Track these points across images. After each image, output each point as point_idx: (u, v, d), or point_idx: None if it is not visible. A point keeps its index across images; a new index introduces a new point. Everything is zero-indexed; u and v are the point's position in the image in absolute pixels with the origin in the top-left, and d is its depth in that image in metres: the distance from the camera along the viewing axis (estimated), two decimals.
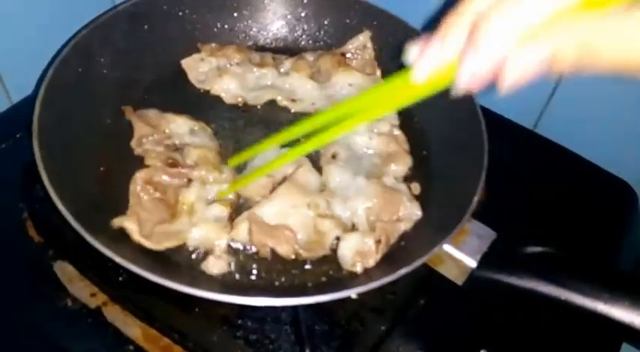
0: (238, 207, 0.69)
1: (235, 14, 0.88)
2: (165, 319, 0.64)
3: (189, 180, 0.69)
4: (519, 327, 0.67)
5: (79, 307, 0.65)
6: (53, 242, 0.69)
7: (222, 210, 0.66)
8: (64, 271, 0.68)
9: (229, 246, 0.66)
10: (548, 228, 0.75)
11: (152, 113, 0.75)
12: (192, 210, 0.66)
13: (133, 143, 0.72)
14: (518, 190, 0.80)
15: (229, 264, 0.64)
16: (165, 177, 0.68)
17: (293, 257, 0.65)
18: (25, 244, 0.70)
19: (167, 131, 0.74)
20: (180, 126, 0.74)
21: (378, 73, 0.85)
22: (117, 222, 0.63)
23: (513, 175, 0.78)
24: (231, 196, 0.69)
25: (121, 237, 0.62)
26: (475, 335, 0.67)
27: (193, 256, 0.65)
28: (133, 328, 0.64)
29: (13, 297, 0.66)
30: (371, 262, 0.63)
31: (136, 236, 0.62)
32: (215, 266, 0.62)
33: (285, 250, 0.64)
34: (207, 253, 0.65)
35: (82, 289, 0.66)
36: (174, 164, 0.68)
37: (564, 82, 0.89)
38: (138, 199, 0.65)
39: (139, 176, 0.67)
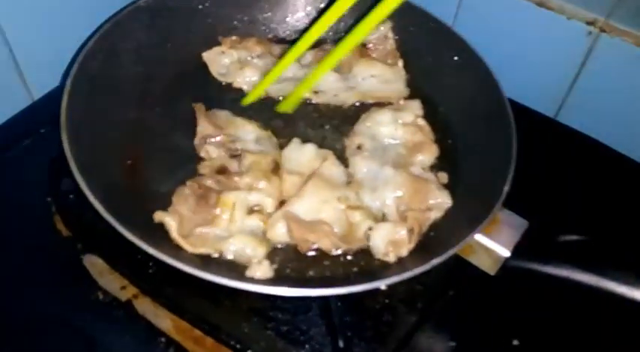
0: None
1: (255, 6, 0.88)
2: (196, 311, 0.64)
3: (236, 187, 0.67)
4: (550, 317, 0.67)
5: (109, 300, 0.65)
6: (82, 235, 0.69)
7: (260, 225, 0.65)
8: (94, 264, 0.68)
9: None
10: (577, 216, 0.74)
11: (223, 114, 0.75)
12: (232, 217, 0.64)
13: (196, 141, 0.72)
14: (542, 179, 0.79)
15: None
16: (212, 183, 0.67)
17: (334, 251, 0.64)
18: (53, 238, 0.70)
19: (233, 134, 0.73)
20: (247, 132, 0.73)
21: (400, 63, 0.84)
22: (158, 216, 0.63)
23: (535, 164, 0.77)
24: (269, 210, 0.67)
25: (152, 231, 0.62)
26: (506, 326, 0.67)
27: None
28: (164, 320, 0.64)
29: (43, 292, 0.66)
30: (404, 251, 0.62)
31: (174, 233, 0.61)
32: (258, 271, 0.60)
33: (326, 244, 0.63)
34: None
35: (112, 282, 0.66)
36: (223, 171, 0.68)
37: (585, 70, 0.88)
38: (182, 198, 0.65)
39: (189, 183, 0.66)
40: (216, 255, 0.63)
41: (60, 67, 0.84)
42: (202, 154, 0.71)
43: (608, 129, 0.88)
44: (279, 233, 0.65)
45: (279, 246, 0.66)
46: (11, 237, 0.70)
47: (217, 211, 0.65)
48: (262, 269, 0.60)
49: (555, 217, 0.71)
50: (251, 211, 0.66)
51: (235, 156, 0.72)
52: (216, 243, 0.63)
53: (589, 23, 0.84)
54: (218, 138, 0.72)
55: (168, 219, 0.63)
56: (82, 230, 0.69)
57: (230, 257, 0.62)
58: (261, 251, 0.63)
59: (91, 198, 0.57)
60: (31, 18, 0.78)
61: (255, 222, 0.65)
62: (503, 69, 0.76)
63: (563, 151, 0.86)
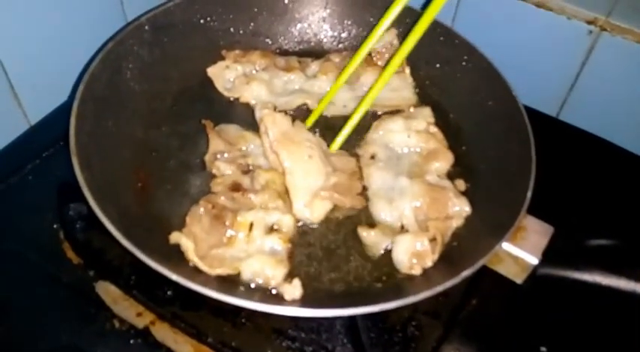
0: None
1: (257, 19, 0.86)
2: (217, 334, 0.62)
3: (252, 207, 0.65)
4: (578, 322, 0.66)
5: (126, 328, 0.63)
6: (93, 262, 0.67)
7: (279, 243, 0.63)
8: (107, 292, 0.66)
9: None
10: (601, 219, 0.73)
11: (232, 129, 0.74)
12: (250, 237, 0.63)
13: (207, 158, 0.71)
14: (555, 181, 0.78)
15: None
16: (226, 201, 0.65)
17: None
18: (63, 266, 0.68)
19: (243, 149, 0.72)
20: (258, 146, 0.72)
21: (407, 70, 0.84)
22: (174, 237, 0.61)
23: (543, 165, 0.77)
24: (289, 229, 0.65)
25: (168, 255, 0.60)
26: (532, 333, 0.66)
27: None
28: (184, 346, 0.62)
29: (55, 323, 0.64)
30: (429, 262, 0.61)
31: (191, 255, 0.59)
32: (291, 291, 0.58)
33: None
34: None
35: (127, 309, 0.64)
36: (236, 188, 0.66)
37: (587, 69, 0.88)
38: (196, 218, 0.63)
39: (203, 202, 0.64)
40: (234, 275, 0.61)
41: (55, 90, 0.82)
42: (214, 171, 0.70)
43: (611, 126, 0.87)
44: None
45: (303, 260, 0.64)
46: (19, 266, 0.67)
47: (233, 231, 0.63)
48: (294, 290, 0.58)
49: (579, 221, 0.70)
50: (270, 230, 0.64)
51: (247, 172, 0.70)
52: (234, 263, 0.61)
53: (589, 22, 0.84)
54: (229, 154, 0.71)
55: (185, 241, 0.61)
56: (93, 257, 0.67)
57: (249, 277, 0.60)
58: (281, 271, 0.61)
59: (107, 224, 0.55)
60: (26, 42, 0.77)
61: (274, 241, 0.63)
62: (504, 69, 0.76)
63: (568, 151, 0.85)
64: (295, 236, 0.66)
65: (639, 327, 0.61)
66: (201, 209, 0.64)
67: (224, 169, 0.69)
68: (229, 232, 0.63)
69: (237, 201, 0.65)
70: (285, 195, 0.67)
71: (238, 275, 0.60)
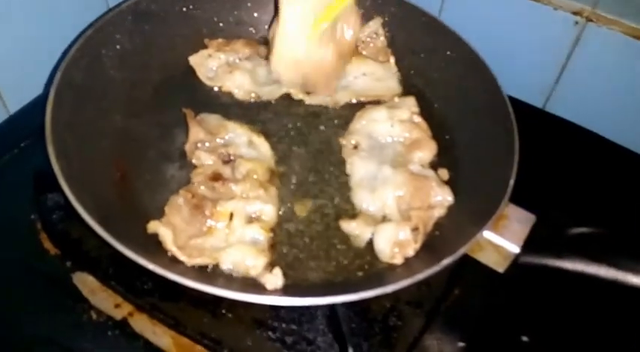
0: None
1: (241, 7, 0.85)
2: (197, 326, 0.61)
3: (233, 197, 0.64)
4: (559, 311, 0.65)
5: (103, 319, 0.62)
6: (71, 253, 0.66)
7: (260, 233, 0.62)
8: (85, 283, 0.65)
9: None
10: (583, 208, 0.73)
11: (213, 119, 0.73)
12: (231, 227, 0.62)
13: (187, 147, 0.69)
14: (538, 171, 0.78)
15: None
16: (206, 191, 0.64)
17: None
18: (40, 257, 0.66)
19: (225, 139, 0.71)
20: (239, 135, 0.71)
21: (392, 60, 0.83)
22: (152, 226, 0.60)
23: (529, 155, 0.76)
24: (270, 219, 0.65)
25: (146, 245, 0.59)
26: (514, 322, 0.66)
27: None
28: (163, 338, 0.61)
29: (32, 314, 0.62)
30: (410, 252, 0.61)
31: (169, 244, 0.58)
32: (273, 280, 0.58)
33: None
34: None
35: (105, 300, 0.63)
36: (217, 178, 0.65)
37: (573, 59, 0.87)
38: (176, 208, 0.62)
39: (183, 192, 0.63)
40: (212, 265, 0.60)
41: (35, 79, 0.81)
42: (194, 161, 0.69)
43: (597, 117, 0.87)
44: None
45: (284, 250, 0.63)
46: None
47: (213, 221, 0.62)
48: (276, 279, 0.57)
49: (561, 209, 0.70)
50: (250, 220, 0.63)
51: (228, 161, 0.69)
52: (214, 252, 0.60)
53: (575, 13, 0.83)
54: (210, 144, 0.69)
55: (163, 230, 0.60)
56: (71, 247, 0.66)
57: (228, 267, 0.60)
58: (262, 261, 0.60)
59: (83, 214, 0.54)
60: (5, 29, 0.75)
61: (255, 230, 0.62)
62: (491, 60, 0.75)
63: (554, 141, 0.85)
64: (277, 225, 0.65)
65: (620, 315, 0.62)
66: (181, 199, 0.63)
67: (205, 159, 0.68)
68: (209, 222, 0.62)
69: (218, 190, 0.65)
70: (266, 184, 0.66)
71: (218, 265, 0.59)
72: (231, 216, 0.62)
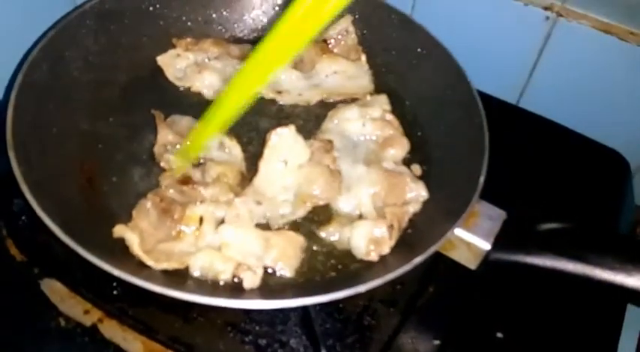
0: None
1: (210, 6, 0.84)
2: (168, 330, 0.60)
3: (202, 201, 0.63)
4: (533, 307, 0.66)
5: (72, 326, 0.61)
6: (38, 259, 0.65)
7: None
8: (53, 289, 0.63)
9: None
10: (553, 203, 0.73)
11: (185, 121, 0.71)
12: (200, 231, 0.61)
13: (156, 150, 0.68)
14: (511, 167, 0.79)
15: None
16: (175, 194, 0.63)
17: None
18: (6, 264, 0.65)
19: None
20: (210, 139, 0.69)
21: (363, 57, 0.82)
22: (118, 230, 0.59)
23: (502, 152, 0.77)
24: None
25: (114, 250, 0.58)
26: (489, 319, 0.66)
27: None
28: (134, 343, 0.60)
29: (0, 322, 0.61)
30: (386, 249, 0.60)
31: (136, 249, 0.57)
32: (250, 281, 0.57)
33: None
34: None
35: (74, 307, 0.62)
36: (186, 181, 0.64)
37: (545, 55, 0.88)
38: (143, 212, 0.61)
39: (151, 196, 0.62)
40: (180, 269, 0.59)
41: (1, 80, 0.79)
42: (163, 164, 0.68)
43: (569, 112, 0.88)
44: None
45: None
46: None
47: (182, 225, 0.61)
48: (255, 278, 0.57)
49: (531, 205, 0.70)
50: (221, 224, 0.62)
51: (198, 165, 0.68)
52: (182, 257, 0.59)
53: (546, 8, 0.84)
54: (180, 147, 0.68)
55: (130, 234, 0.59)
56: (38, 253, 0.65)
57: (197, 273, 0.59)
58: (231, 266, 0.59)
59: (45, 219, 0.53)
60: None
61: None
62: (463, 57, 0.75)
63: (527, 137, 0.86)
64: None
65: (589, 308, 0.62)
66: (149, 203, 0.62)
67: (173, 162, 0.67)
68: (177, 226, 0.61)
69: (187, 194, 0.63)
70: (237, 187, 0.66)
71: (186, 269, 0.58)
72: (201, 220, 0.61)
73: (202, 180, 0.66)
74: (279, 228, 0.64)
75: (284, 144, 0.65)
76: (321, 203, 0.65)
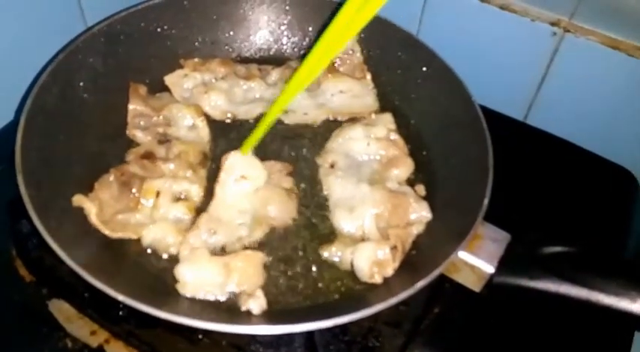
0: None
1: (216, 27, 0.85)
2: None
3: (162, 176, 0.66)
4: (537, 330, 0.65)
5: (79, 347, 0.62)
6: (46, 280, 0.66)
7: (185, 212, 0.64)
8: (61, 310, 0.64)
9: None
10: (560, 225, 0.73)
11: (165, 97, 0.75)
12: (156, 204, 0.63)
13: (128, 121, 0.71)
14: (517, 186, 0.78)
15: None
16: (136, 168, 0.66)
17: None
18: (15, 284, 0.66)
19: (167, 117, 0.72)
20: (184, 117, 0.72)
21: (369, 76, 0.83)
22: (77, 200, 0.61)
23: (508, 170, 0.76)
24: (196, 199, 0.67)
25: (119, 272, 0.59)
26: (494, 342, 0.65)
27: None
28: None
29: (8, 343, 0.62)
30: (389, 271, 0.60)
31: (94, 218, 0.60)
32: (256, 304, 0.58)
33: None
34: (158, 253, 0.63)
35: (81, 328, 0.63)
36: (148, 156, 0.66)
37: (552, 70, 0.88)
38: (105, 185, 0.63)
39: (113, 170, 0.65)
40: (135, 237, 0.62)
41: (11, 102, 0.80)
42: (131, 137, 0.71)
43: (577, 128, 0.87)
44: None
45: None
46: None
47: (140, 197, 0.64)
48: (259, 302, 0.57)
49: (537, 225, 0.70)
50: (177, 199, 0.65)
51: (163, 142, 0.70)
52: (137, 228, 0.63)
53: (553, 24, 0.84)
54: (150, 120, 0.71)
55: (88, 204, 0.61)
56: (46, 274, 0.65)
57: (148, 243, 0.62)
58: (180, 239, 0.62)
59: (52, 244, 0.53)
60: None
61: (179, 209, 0.64)
62: (470, 74, 0.75)
63: (535, 155, 0.85)
64: (200, 207, 0.67)
65: (593, 333, 0.62)
66: (112, 176, 0.65)
67: (140, 138, 0.70)
68: (135, 198, 0.64)
69: (147, 168, 0.66)
70: (196, 166, 0.68)
71: (139, 240, 0.62)
72: (158, 194, 0.64)
73: (165, 156, 0.68)
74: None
75: (239, 166, 0.66)
76: (276, 224, 0.66)
